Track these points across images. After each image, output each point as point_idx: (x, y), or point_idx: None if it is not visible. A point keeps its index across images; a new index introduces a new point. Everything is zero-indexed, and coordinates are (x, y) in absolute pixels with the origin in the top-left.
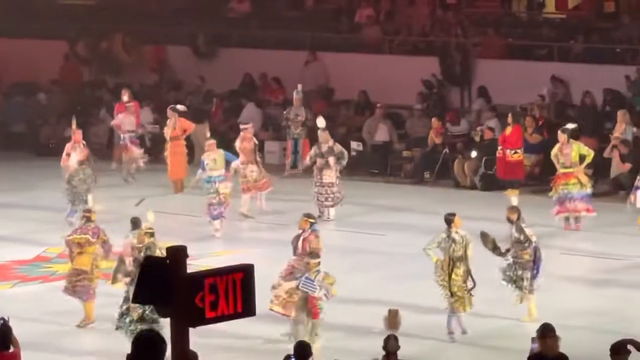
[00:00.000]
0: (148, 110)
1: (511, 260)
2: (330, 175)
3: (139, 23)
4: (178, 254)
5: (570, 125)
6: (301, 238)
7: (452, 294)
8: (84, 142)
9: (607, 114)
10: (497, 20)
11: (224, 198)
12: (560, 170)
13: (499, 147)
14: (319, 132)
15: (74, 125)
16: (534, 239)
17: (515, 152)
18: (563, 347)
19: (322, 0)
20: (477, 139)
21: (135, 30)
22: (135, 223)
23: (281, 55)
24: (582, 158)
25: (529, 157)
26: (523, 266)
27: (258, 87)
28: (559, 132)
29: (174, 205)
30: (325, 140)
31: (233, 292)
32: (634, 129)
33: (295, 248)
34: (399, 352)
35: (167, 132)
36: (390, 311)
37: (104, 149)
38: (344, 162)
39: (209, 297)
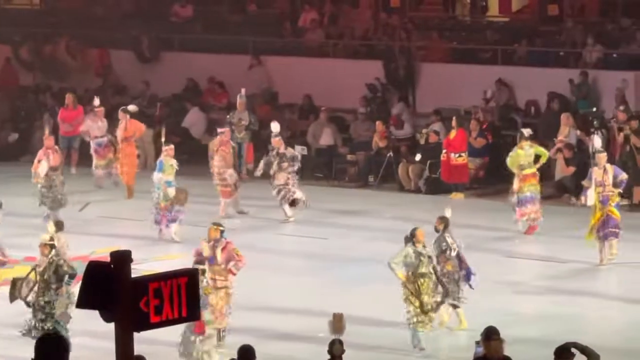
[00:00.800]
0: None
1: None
2: (279, 178)
3: (83, 27)
4: (122, 258)
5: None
6: (218, 248)
7: (421, 311)
8: (56, 147)
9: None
10: (440, 24)
11: (170, 203)
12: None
13: (443, 151)
14: (272, 137)
15: (46, 132)
16: (454, 246)
17: (460, 156)
18: (508, 351)
19: (265, 4)
20: (422, 141)
21: (79, 35)
22: (58, 225)
23: (225, 60)
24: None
25: (474, 161)
26: (449, 279)
27: (202, 91)
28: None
29: (118, 209)
30: (277, 146)
31: (178, 296)
32: (578, 132)
33: (212, 258)
34: (344, 356)
35: (119, 134)
36: (334, 315)
37: None
38: (296, 166)
39: (154, 302)
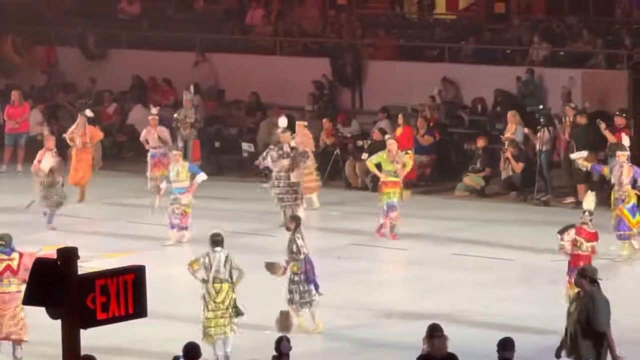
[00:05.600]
0: (38, 111)
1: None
2: (296, 176)
3: (29, 25)
4: (69, 255)
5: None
6: None
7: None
8: (55, 149)
9: (498, 114)
10: (388, 21)
11: (184, 210)
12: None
13: None
14: (279, 132)
15: (46, 132)
16: (304, 250)
17: (406, 153)
18: (452, 347)
19: (212, 1)
20: (365, 146)
21: (25, 32)
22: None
23: (172, 57)
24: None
25: (420, 158)
26: (292, 280)
27: (148, 88)
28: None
29: (65, 207)
30: (287, 141)
31: (124, 293)
32: (525, 130)
33: None
34: (291, 353)
35: (78, 139)
36: (281, 313)
37: None
38: (305, 161)
39: (100, 299)
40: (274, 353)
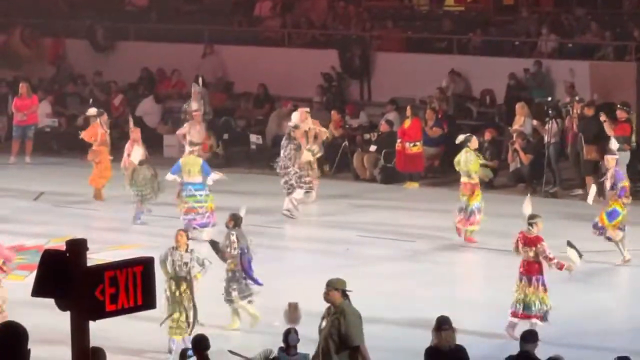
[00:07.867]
0: (46, 103)
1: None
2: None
3: (37, 17)
4: (78, 246)
5: (461, 137)
6: None
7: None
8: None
9: (508, 108)
10: (396, 13)
11: (207, 208)
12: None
13: (398, 140)
14: (291, 127)
15: (131, 124)
16: (234, 246)
17: (415, 145)
18: (458, 339)
19: None
20: (373, 138)
21: (34, 24)
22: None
23: (180, 49)
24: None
25: (429, 150)
26: (230, 277)
27: (156, 80)
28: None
29: (73, 198)
30: (299, 137)
31: (133, 285)
32: (534, 122)
33: None
34: (299, 345)
35: (98, 138)
36: (290, 305)
37: (2, 143)
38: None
39: (109, 290)
40: (282, 344)
